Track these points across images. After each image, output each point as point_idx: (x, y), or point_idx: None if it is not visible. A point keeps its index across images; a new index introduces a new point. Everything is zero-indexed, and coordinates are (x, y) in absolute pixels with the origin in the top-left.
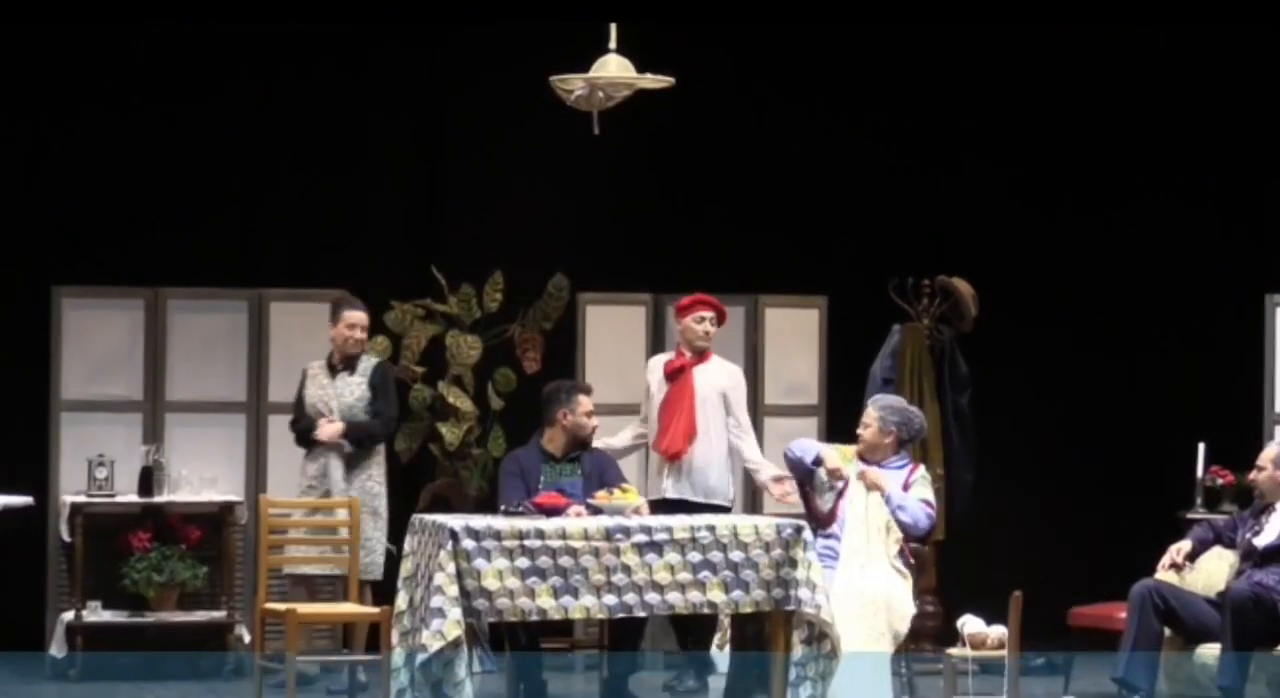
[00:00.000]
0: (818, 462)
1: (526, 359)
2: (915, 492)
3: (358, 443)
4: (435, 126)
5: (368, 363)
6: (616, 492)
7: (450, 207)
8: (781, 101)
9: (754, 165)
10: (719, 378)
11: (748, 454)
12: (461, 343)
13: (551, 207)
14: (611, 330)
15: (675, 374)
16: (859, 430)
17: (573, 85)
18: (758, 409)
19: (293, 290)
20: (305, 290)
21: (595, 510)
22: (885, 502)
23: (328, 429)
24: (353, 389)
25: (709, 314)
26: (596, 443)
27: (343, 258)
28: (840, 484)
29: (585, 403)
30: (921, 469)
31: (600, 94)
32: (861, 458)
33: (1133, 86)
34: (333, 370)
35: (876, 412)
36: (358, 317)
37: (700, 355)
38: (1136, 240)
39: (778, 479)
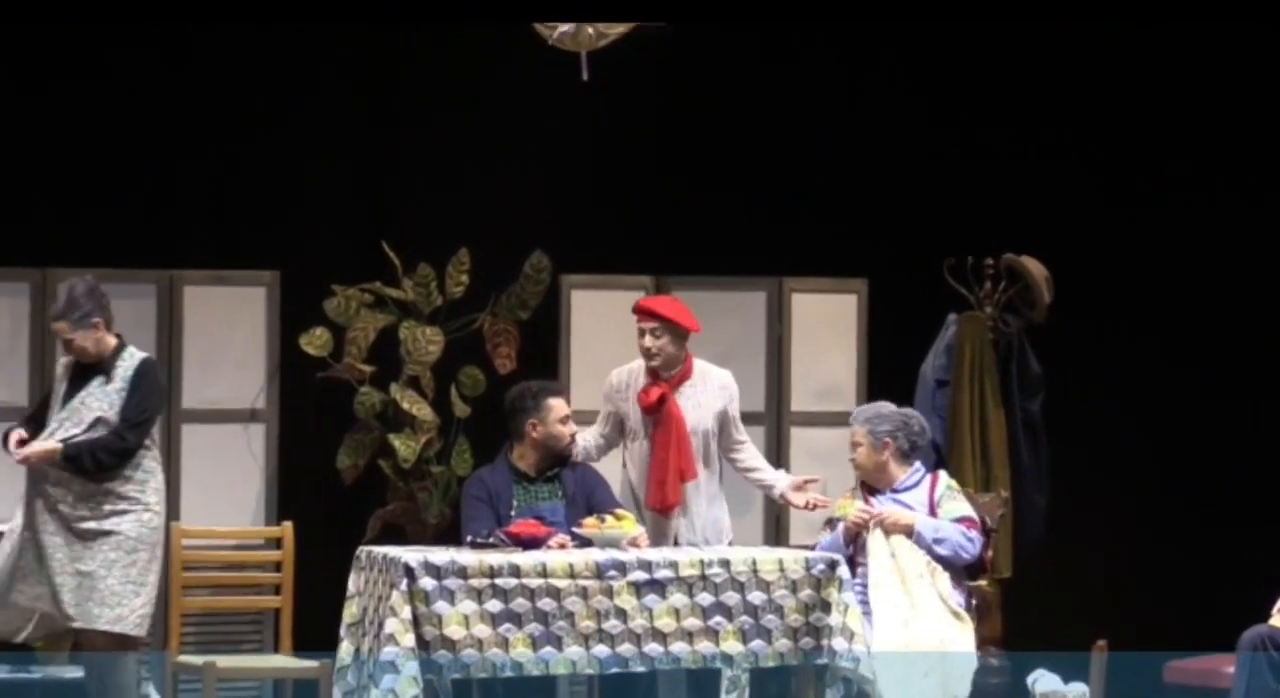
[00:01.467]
0: (839, 528)
1: (499, 356)
2: (946, 511)
3: (78, 468)
4: (386, 76)
5: (128, 362)
6: (609, 518)
7: (405, 172)
8: (810, 49)
9: (777, 122)
10: (709, 398)
11: (751, 463)
12: (419, 336)
13: (530, 171)
14: (603, 321)
15: (656, 407)
16: (850, 457)
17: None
18: (781, 418)
19: (212, 272)
20: (227, 272)
21: (582, 542)
22: (915, 540)
23: (32, 448)
24: (101, 397)
25: (649, 325)
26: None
27: (273, 234)
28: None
29: (558, 408)
30: (944, 478)
31: (591, 30)
32: (867, 490)
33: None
34: (82, 373)
35: (859, 426)
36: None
37: (680, 373)
38: (1245, 233)
39: (798, 486)
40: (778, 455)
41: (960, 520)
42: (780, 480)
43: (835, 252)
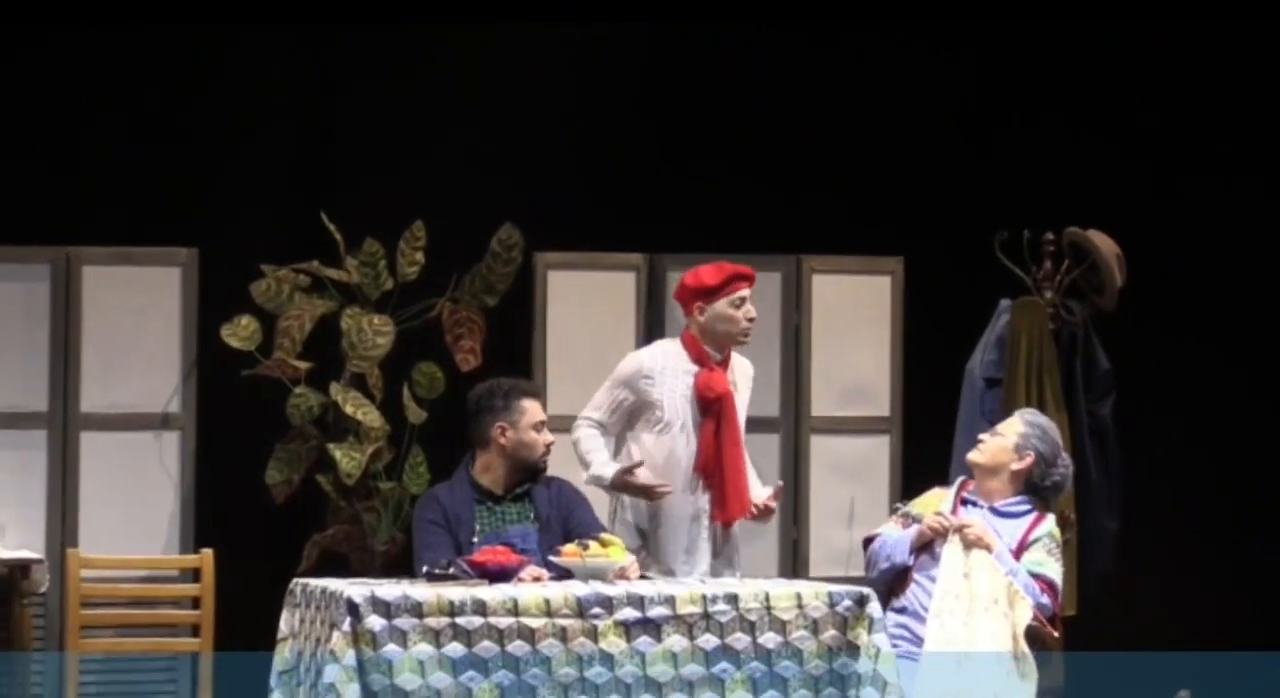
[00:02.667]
0: (914, 519)
1: (461, 350)
2: (1031, 558)
3: None
4: (328, 21)
5: None
6: (593, 544)
7: (349, 131)
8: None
9: (794, 75)
10: (743, 388)
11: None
12: (365, 326)
13: (499, 131)
14: (586, 308)
15: (714, 402)
16: (981, 436)
17: None
18: (799, 424)
19: (118, 250)
20: (135, 250)
21: (561, 573)
22: (995, 563)
23: None
24: None
25: (748, 291)
26: (575, 476)
27: (190, 205)
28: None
29: (533, 411)
30: (1049, 524)
31: None
32: (960, 497)
33: None
34: None
35: (1019, 419)
36: None
37: (725, 356)
38: None
39: (777, 494)
40: (795, 470)
41: (1038, 578)
42: (759, 493)
43: (864, 225)
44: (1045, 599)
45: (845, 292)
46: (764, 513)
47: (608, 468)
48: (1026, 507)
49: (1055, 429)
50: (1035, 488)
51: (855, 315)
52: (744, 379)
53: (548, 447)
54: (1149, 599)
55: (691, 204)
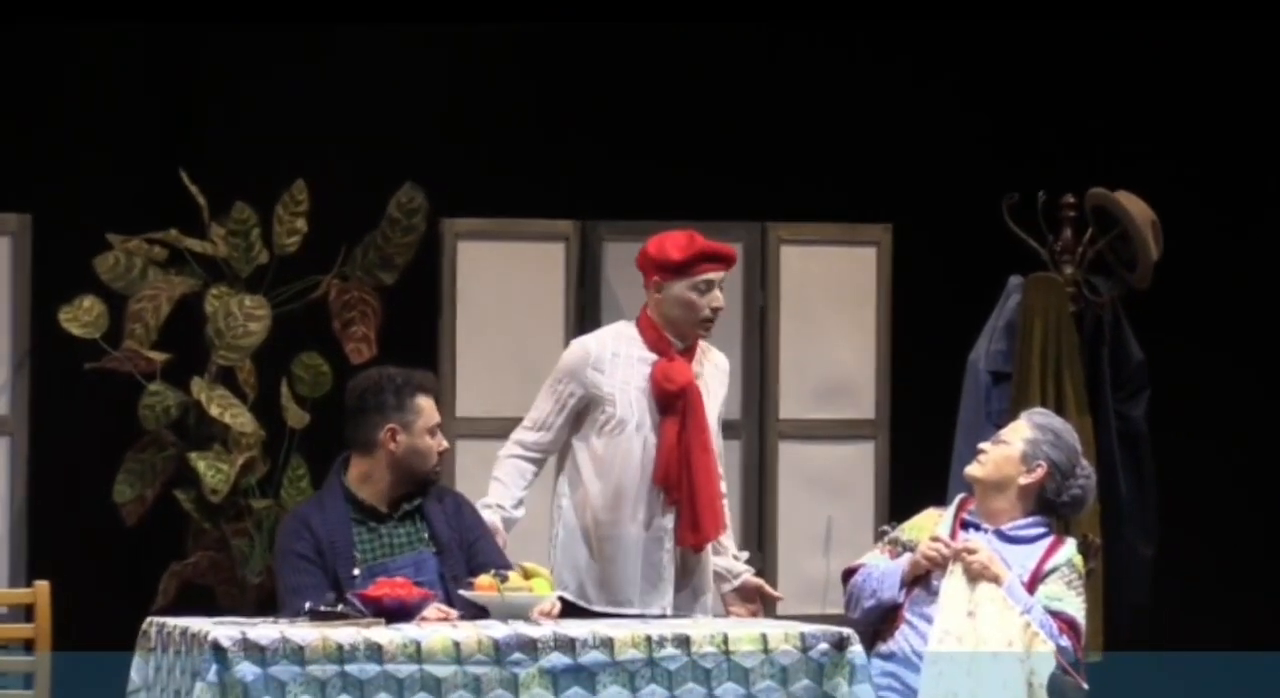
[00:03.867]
0: (904, 546)
1: (351, 339)
2: (1048, 592)
3: None
4: None
5: None
6: (512, 575)
7: (213, 72)
8: None
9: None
10: (716, 384)
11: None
12: (234, 309)
13: (396, 74)
14: (505, 287)
15: (676, 397)
16: (982, 446)
17: None
18: (764, 427)
19: None
20: None
21: (473, 610)
22: (1006, 598)
23: None
24: None
25: (719, 275)
26: (485, 514)
27: (21, 163)
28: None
29: (429, 411)
30: (1069, 549)
31: None
32: (960, 519)
33: None
34: None
35: (1026, 422)
36: None
37: (691, 344)
38: None
39: (752, 591)
40: (760, 484)
41: (1055, 615)
42: (736, 573)
43: (843, 187)
44: (1065, 642)
45: (821, 267)
46: (754, 597)
47: (492, 513)
48: (1040, 529)
49: (1071, 433)
50: (1049, 506)
51: (833, 295)
52: (716, 374)
53: (441, 456)
54: (1189, 638)
55: (632, 161)
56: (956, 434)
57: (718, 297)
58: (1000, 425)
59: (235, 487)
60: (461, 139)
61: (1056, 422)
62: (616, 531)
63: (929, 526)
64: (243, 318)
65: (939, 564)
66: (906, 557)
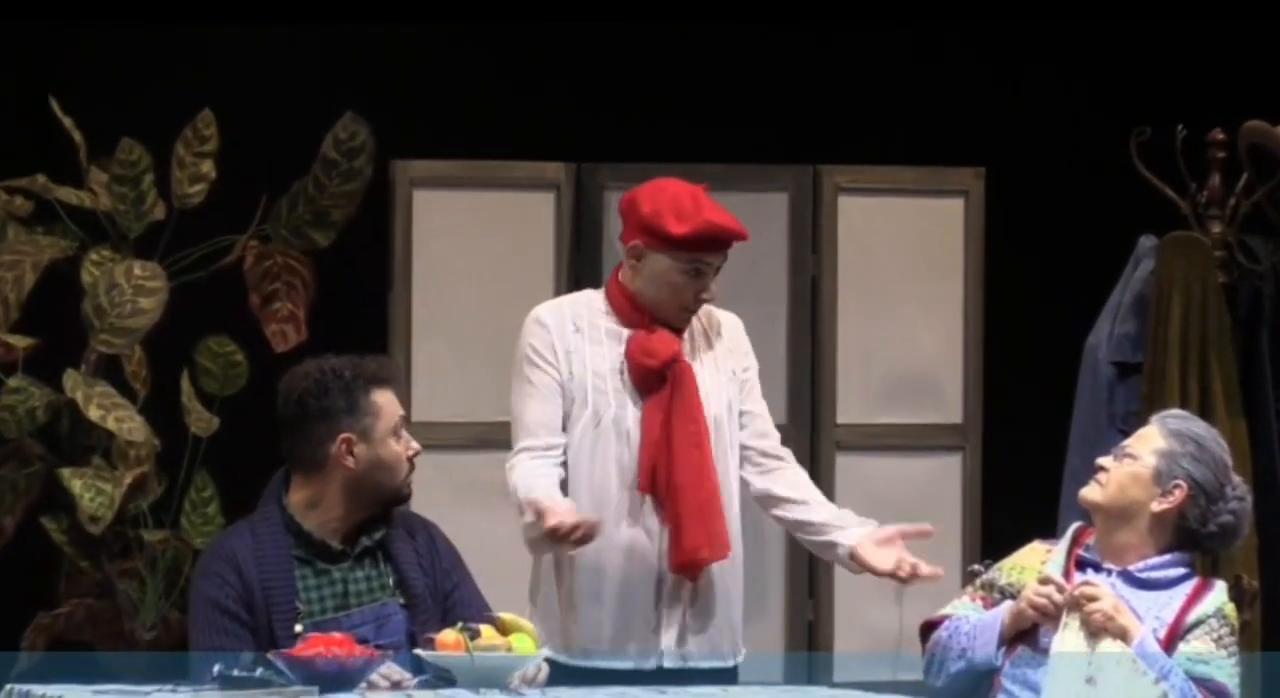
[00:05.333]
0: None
1: (274, 319)
2: (1191, 651)
3: None
4: None
5: None
6: (485, 630)
7: None
8: None
9: None
10: (723, 358)
11: (785, 489)
12: (120, 279)
13: None
14: (476, 248)
15: (658, 377)
16: (1102, 462)
17: None
18: (817, 432)
19: None
20: None
21: (437, 676)
22: (1136, 660)
23: None
24: None
25: (717, 261)
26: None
27: None
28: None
29: (389, 407)
30: (1219, 594)
31: None
32: (1076, 558)
33: None
34: None
35: (1165, 437)
36: None
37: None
38: None
39: (886, 539)
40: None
41: (1200, 682)
42: (850, 529)
43: (919, 121)
44: None
45: (891, 223)
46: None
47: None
48: (1180, 570)
49: (1220, 443)
50: (1192, 538)
51: (907, 262)
52: (728, 335)
53: (412, 461)
54: None
55: (643, 87)
56: (1069, 445)
57: (710, 287)
58: (1126, 432)
59: (121, 514)
60: (419, 56)
61: (1199, 428)
62: (597, 558)
63: (1034, 564)
64: (131, 291)
65: (1049, 615)
66: (1006, 606)
